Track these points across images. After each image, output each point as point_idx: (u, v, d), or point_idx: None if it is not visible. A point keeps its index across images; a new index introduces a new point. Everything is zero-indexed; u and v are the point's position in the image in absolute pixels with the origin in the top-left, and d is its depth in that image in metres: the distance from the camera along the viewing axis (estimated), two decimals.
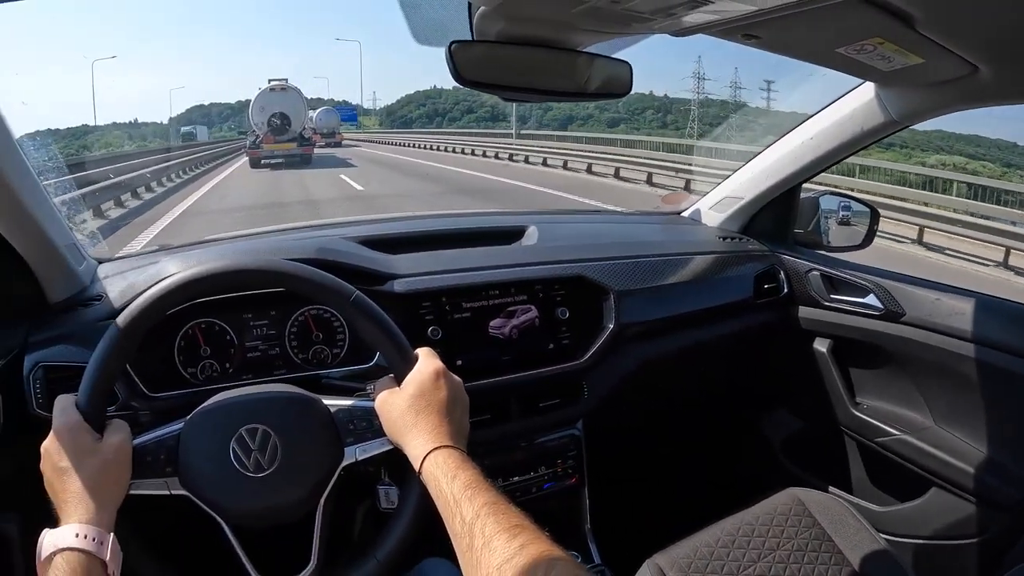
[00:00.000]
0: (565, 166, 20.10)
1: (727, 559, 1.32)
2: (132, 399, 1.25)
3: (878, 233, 1.89)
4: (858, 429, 1.77)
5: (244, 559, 1.02)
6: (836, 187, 2.32)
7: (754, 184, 1.88)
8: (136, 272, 1.45)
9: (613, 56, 1.24)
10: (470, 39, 1.14)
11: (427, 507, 0.98)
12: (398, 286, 1.42)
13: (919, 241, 9.63)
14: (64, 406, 0.96)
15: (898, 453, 1.66)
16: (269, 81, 27.72)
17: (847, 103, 1.60)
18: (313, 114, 41.19)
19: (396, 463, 1.09)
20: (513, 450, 1.53)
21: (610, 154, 19.48)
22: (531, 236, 1.71)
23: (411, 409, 0.98)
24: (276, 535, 1.07)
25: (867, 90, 1.53)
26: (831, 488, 1.81)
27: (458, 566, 1.16)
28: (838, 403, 1.80)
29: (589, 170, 18.73)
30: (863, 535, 1.37)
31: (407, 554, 1.07)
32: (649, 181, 15.60)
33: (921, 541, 1.64)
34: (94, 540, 0.84)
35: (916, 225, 9.72)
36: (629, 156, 18.44)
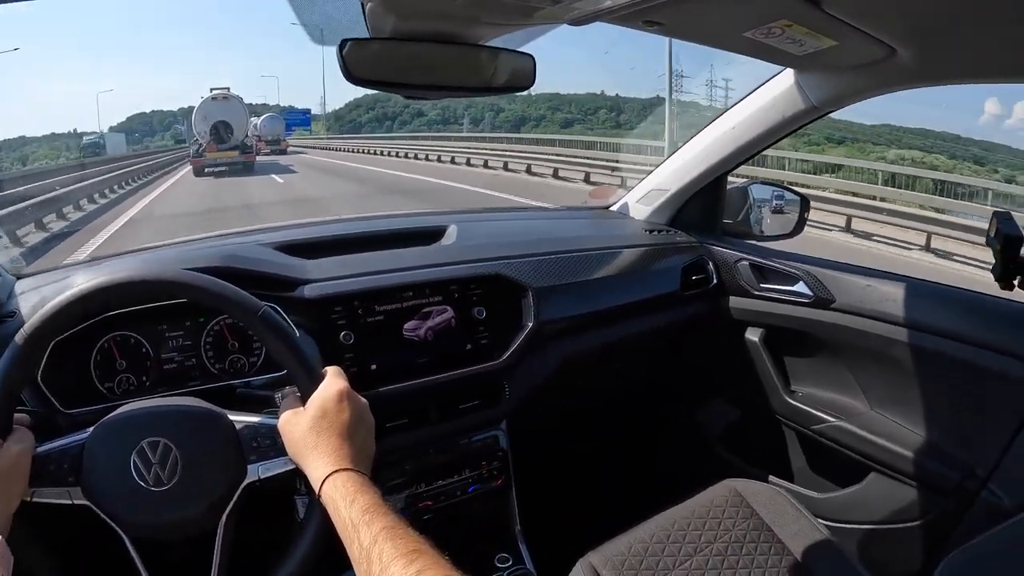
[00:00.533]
0: (506, 167, 20.48)
1: (662, 554, 1.30)
2: (47, 414, 1.22)
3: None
4: (793, 417, 1.76)
5: (143, 574, 1.00)
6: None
7: (679, 175, 1.87)
8: (49, 286, 1.42)
9: (517, 50, 1.21)
10: (367, 37, 1.10)
11: (330, 528, 0.97)
12: (308, 291, 1.40)
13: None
14: None
15: (835, 440, 1.65)
16: (211, 90, 27.77)
17: (768, 91, 1.60)
18: (257, 120, 41.13)
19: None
20: (436, 453, 1.50)
21: (552, 155, 19.94)
22: (450, 236, 1.69)
23: (312, 430, 0.96)
24: (178, 550, 1.05)
25: (787, 77, 1.53)
26: (770, 478, 1.80)
27: None
28: (772, 392, 1.79)
29: (528, 171, 19.09)
30: (803, 523, 1.36)
31: (319, 573, 1.04)
32: (587, 180, 15.95)
33: (863, 527, 1.63)
34: None
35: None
36: (570, 156, 18.93)
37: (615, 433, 2.09)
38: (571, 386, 1.71)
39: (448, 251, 1.63)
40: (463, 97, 1.35)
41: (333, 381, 1.02)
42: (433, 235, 1.71)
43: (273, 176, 23.17)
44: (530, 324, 1.52)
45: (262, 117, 45.40)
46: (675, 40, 1.15)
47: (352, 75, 1.04)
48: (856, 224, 10.30)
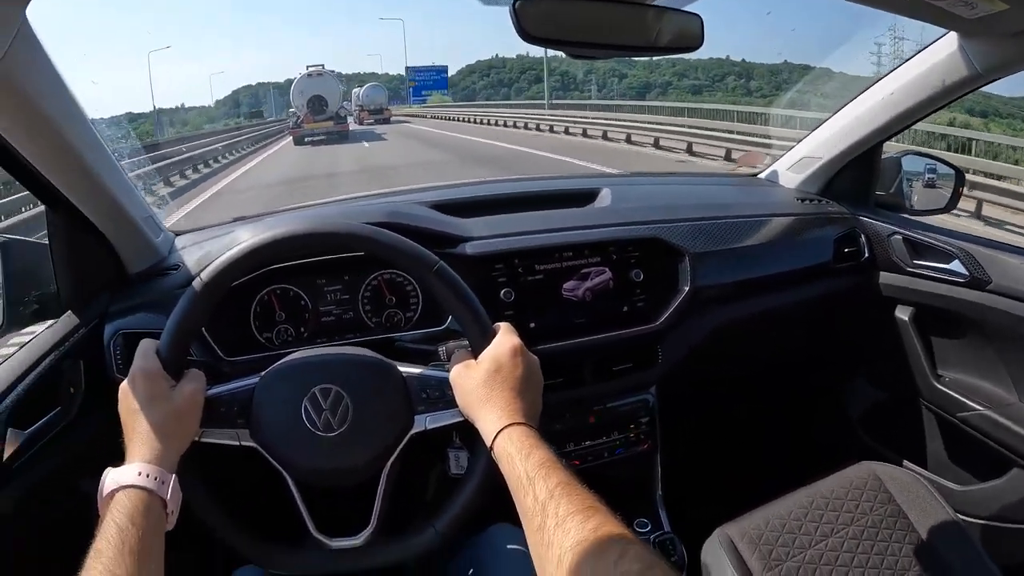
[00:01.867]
0: (629, 140, 18.58)
1: (799, 532, 1.29)
2: (211, 363, 1.29)
3: None
4: (938, 402, 1.68)
5: (305, 515, 1.04)
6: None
7: (833, 143, 1.78)
8: (212, 241, 1.50)
9: (683, 9, 1.17)
10: None
11: (493, 479, 0.98)
12: (470, 248, 1.41)
13: None
14: (145, 351, 0.99)
15: (979, 429, 1.58)
16: (307, 68, 30.95)
17: (928, 56, 1.49)
18: (360, 91, 44.03)
19: (468, 427, 1.07)
20: (585, 414, 1.51)
21: (685, 127, 17.66)
22: (604, 198, 1.67)
23: (486, 384, 0.97)
24: (338, 495, 1.08)
25: (950, 42, 1.42)
26: (907, 463, 1.74)
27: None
28: (919, 374, 1.71)
29: (656, 144, 17.12)
30: (940, 514, 1.31)
31: (470, 523, 1.06)
32: (727, 157, 14.19)
33: (999, 523, 1.56)
34: (155, 479, 0.86)
35: None
36: (705, 128, 16.67)
37: (759, 404, 2.06)
38: (722, 353, 1.69)
39: (604, 213, 1.61)
40: (627, 57, 1.33)
41: (507, 336, 1.02)
42: (586, 197, 1.70)
43: (363, 143, 25.87)
44: (686, 288, 1.50)
45: (364, 87, 46.50)
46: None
47: (526, 32, 1.02)
48: (988, 210, 8.74)
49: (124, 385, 0.97)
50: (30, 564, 1.13)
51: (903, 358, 1.73)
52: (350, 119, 38.47)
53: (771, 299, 1.68)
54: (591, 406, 1.52)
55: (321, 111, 28.62)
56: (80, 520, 1.26)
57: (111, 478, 0.86)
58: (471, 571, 1.17)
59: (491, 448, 0.92)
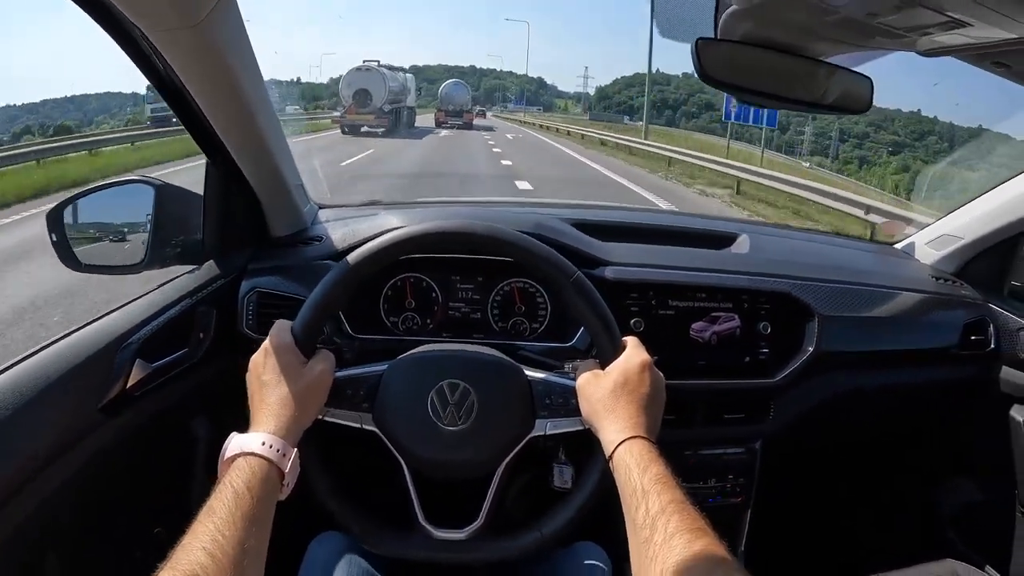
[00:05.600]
0: None
1: None
2: (336, 336, 1.34)
3: None
4: None
5: (416, 504, 1.07)
6: None
7: (978, 225, 1.72)
8: (358, 221, 1.53)
9: (854, 70, 1.15)
10: (713, 37, 1.09)
11: (601, 494, 1.01)
12: (610, 272, 1.42)
13: None
14: (280, 328, 1.02)
15: None
16: (364, 62, 31.86)
17: None
18: (442, 88, 42.15)
19: (577, 444, 1.10)
20: (686, 456, 1.49)
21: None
22: (741, 244, 1.66)
23: (613, 395, 0.98)
24: (449, 488, 1.10)
25: None
26: (989, 568, 1.66)
27: (609, 553, 1.17)
28: (1022, 480, 1.63)
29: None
30: None
31: (572, 534, 1.08)
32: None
33: None
34: (278, 451, 0.88)
35: None
36: None
37: (855, 479, 2.00)
38: (831, 421, 1.65)
39: (741, 260, 1.60)
40: (792, 110, 1.34)
41: (636, 351, 1.03)
42: (724, 240, 1.69)
43: (409, 139, 27.32)
44: (810, 349, 1.47)
45: (447, 83, 43.64)
46: None
47: (706, 73, 1.04)
48: None
49: (256, 357, 1.00)
50: (129, 490, 1.19)
51: (1009, 459, 1.66)
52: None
53: (890, 375, 1.63)
54: (695, 449, 1.50)
55: (365, 104, 29.82)
56: (181, 458, 1.34)
57: (235, 443, 0.88)
58: None
59: (610, 458, 0.93)
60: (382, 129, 29.04)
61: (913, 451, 1.92)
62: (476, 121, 41.89)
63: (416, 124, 38.41)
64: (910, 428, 1.86)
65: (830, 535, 2.01)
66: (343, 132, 28.59)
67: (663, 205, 10.96)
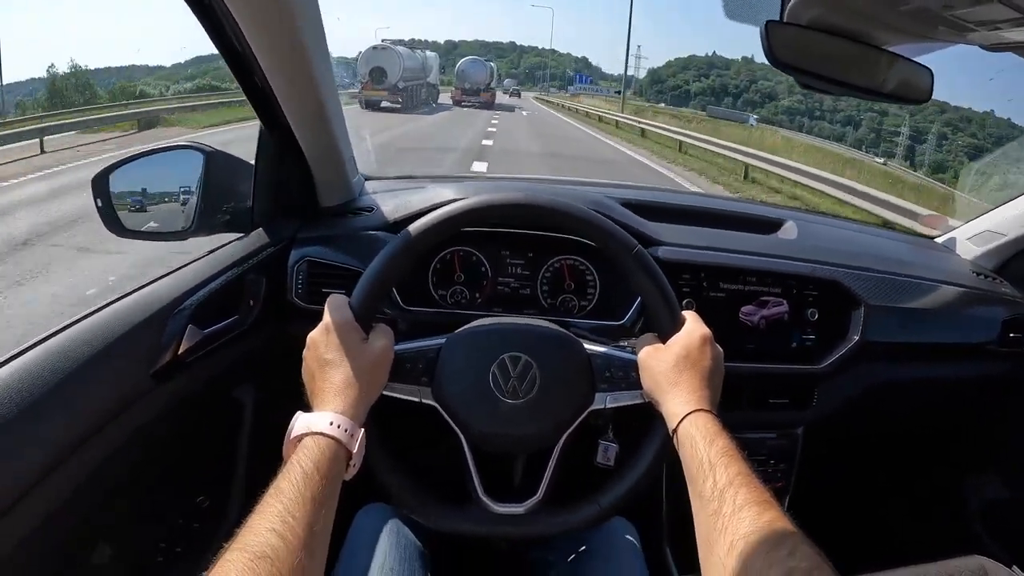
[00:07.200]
0: None
1: None
2: (388, 308, 1.34)
3: None
4: None
5: (475, 477, 1.05)
6: None
7: (1021, 222, 1.72)
8: (408, 193, 1.52)
9: (915, 60, 1.13)
10: (779, 20, 1.07)
11: (658, 468, 1.02)
12: (662, 252, 1.42)
13: None
14: (338, 304, 0.99)
15: None
16: (382, 40, 33.21)
17: None
18: (459, 65, 42.13)
19: (626, 422, 1.09)
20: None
21: None
22: (789, 231, 1.66)
23: (675, 368, 0.98)
24: (509, 462, 1.10)
25: None
26: (1015, 568, 1.68)
27: (642, 533, 1.18)
28: None
29: None
30: None
31: (625, 508, 1.07)
32: None
33: None
34: (345, 431, 0.86)
35: None
36: None
37: (889, 470, 2.01)
38: (872, 410, 1.65)
39: (789, 246, 1.60)
40: (853, 97, 1.34)
41: (696, 325, 1.03)
42: (771, 225, 1.69)
43: (425, 116, 28.79)
44: (856, 338, 1.48)
45: (463, 60, 42.84)
46: None
47: (775, 57, 1.02)
48: None
49: (316, 336, 0.97)
50: (175, 457, 1.19)
51: None
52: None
53: (930, 368, 1.64)
54: (739, 432, 1.48)
55: (381, 81, 30.91)
56: (226, 426, 1.34)
57: (302, 422, 0.87)
58: (582, 552, 1.17)
59: (674, 431, 0.92)
60: (399, 104, 30.49)
61: (947, 445, 1.93)
62: (509, 100, 41.47)
63: (439, 101, 39.53)
64: (945, 422, 1.87)
65: (863, 525, 2.01)
66: (362, 107, 29.49)
67: None
